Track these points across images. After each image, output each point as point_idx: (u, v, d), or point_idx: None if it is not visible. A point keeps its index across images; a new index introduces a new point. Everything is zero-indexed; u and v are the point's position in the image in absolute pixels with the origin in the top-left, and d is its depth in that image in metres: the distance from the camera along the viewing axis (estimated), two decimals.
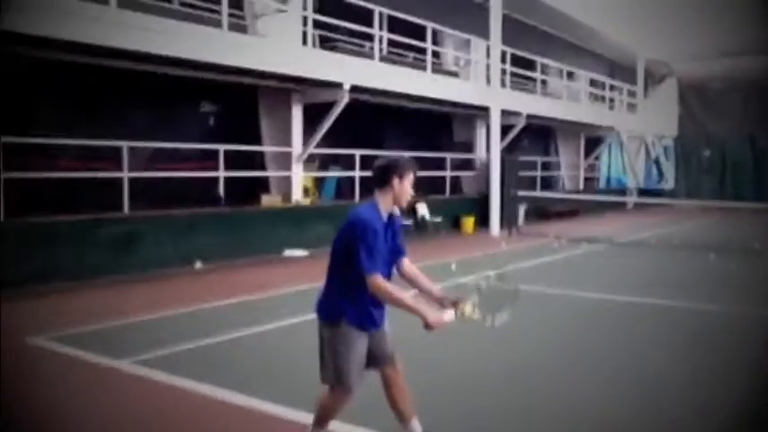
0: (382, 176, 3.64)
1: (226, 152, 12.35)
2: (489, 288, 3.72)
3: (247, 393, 4.98)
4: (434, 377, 5.35)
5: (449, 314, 3.53)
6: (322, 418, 3.87)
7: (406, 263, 3.83)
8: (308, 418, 4.15)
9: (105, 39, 9.19)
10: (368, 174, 16.67)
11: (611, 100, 26.60)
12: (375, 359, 3.74)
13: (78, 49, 9.39)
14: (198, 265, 11.20)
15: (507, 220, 17.34)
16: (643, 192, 26.77)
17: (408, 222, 15.08)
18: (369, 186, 3.76)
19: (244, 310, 8.01)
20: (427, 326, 3.52)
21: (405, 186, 3.64)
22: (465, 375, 5.53)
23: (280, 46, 11.85)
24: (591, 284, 9.90)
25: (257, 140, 13.73)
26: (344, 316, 3.58)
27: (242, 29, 11.85)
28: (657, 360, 6.06)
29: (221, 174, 12.37)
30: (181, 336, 6.65)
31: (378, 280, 3.49)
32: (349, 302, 3.57)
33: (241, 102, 13.58)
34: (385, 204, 3.64)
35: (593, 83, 25.14)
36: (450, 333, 4.03)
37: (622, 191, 27.55)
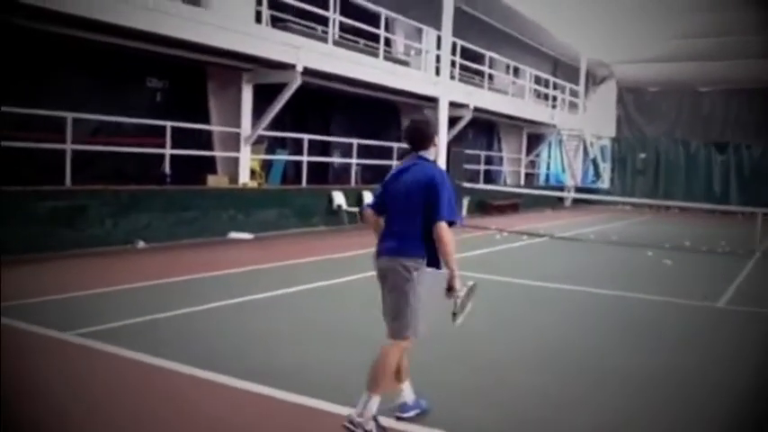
0: (428, 136, 4.09)
1: (172, 129, 12.06)
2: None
3: (192, 364, 4.98)
4: None
5: None
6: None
7: None
8: (253, 387, 4.16)
9: (49, 2, 8.82)
10: (315, 159, 16.22)
11: (554, 98, 27.20)
12: None
13: (22, 11, 8.96)
14: (140, 244, 10.93)
15: None
16: (580, 190, 27.52)
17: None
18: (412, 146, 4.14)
19: (188, 289, 7.89)
20: None
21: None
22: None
23: (233, 22, 11.59)
24: (533, 274, 10.11)
25: (205, 119, 13.47)
26: None
27: (195, 1, 11.55)
28: (598, 340, 6.34)
29: (168, 151, 12.06)
30: (125, 310, 6.52)
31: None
32: None
33: (190, 79, 13.24)
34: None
35: (537, 80, 25.63)
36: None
37: (561, 188, 28.22)
